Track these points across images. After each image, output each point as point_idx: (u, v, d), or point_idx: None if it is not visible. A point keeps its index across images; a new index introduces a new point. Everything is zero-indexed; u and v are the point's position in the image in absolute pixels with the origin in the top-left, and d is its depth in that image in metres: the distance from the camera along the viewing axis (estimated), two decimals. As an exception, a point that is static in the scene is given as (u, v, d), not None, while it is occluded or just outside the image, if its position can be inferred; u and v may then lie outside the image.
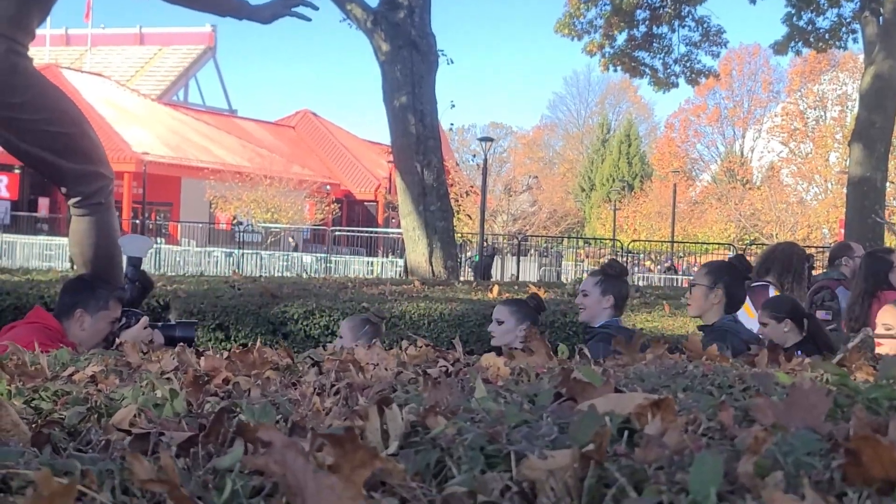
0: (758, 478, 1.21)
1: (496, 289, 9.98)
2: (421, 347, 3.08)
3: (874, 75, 19.51)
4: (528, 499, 1.24)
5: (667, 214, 53.84)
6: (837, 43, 23.33)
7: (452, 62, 18.79)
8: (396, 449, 1.46)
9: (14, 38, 5.16)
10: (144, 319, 5.32)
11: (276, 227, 43.38)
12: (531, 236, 45.75)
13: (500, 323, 5.78)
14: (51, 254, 34.30)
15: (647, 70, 24.65)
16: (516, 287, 11.05)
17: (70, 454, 1.54)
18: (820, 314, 7.53)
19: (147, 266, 6.49)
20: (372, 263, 34.16)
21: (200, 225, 44.41)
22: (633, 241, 46.88)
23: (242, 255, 35.39)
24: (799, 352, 4.90)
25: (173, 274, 13.67)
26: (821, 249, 27.32)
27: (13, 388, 2.15)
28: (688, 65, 24.50)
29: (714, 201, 58.62)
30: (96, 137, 5.62)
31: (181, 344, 3.45)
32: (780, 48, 23.49)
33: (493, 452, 1.38)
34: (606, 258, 38.64)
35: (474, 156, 51.00)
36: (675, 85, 24.71)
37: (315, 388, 2.23)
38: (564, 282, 18.12)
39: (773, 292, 6.70)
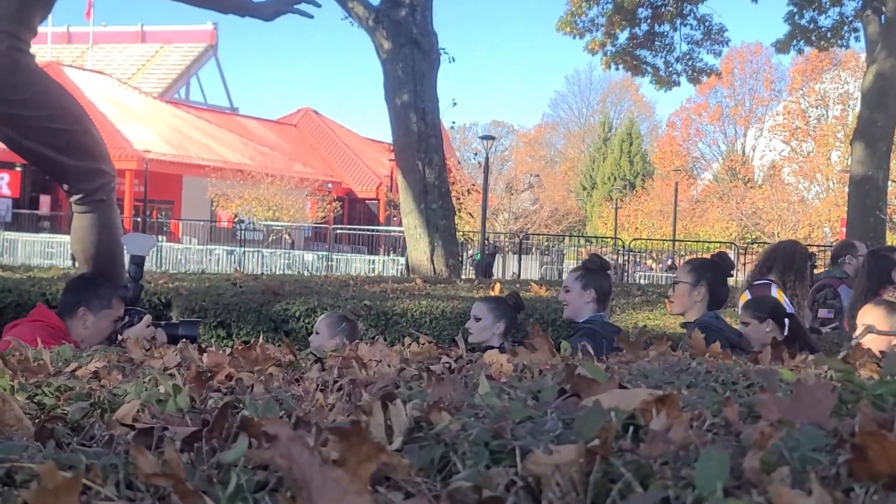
0: (764, 473, 1.21)
1: (498, 287, 9.97)
2: (423, 344, 3.08)
3: (876, 74, 19.50)
4: (533, 494, 1.24)
5: (668, 213, 53.80)
6: (839, 41, 23.30)
7: (454, 60, 18.77)
8: (400, 444, 1.45)
9: (16, 35, 5.16)
10: (147, 318, 5.32)
11: (277, 225, 43.39)
12: (533, 235, 45.74)
13: (477, 320, 5.79)
14: (52, 251, 34.30)
15: (648, 68, 24.63)
16: (518, 285, 11.04)
17: (74, 449, 1.54)
18: (822, 312, 7.53)
19: (148, 264, 6.50)
20: (373, 261, 34.15)
21: (202, 223, 44.40)
22: (635, 239, 46.86)
23: (244, 252, 35.38)
24: None
25: (175, 272, 13.65)
26: (822, 248, 27.30)
27: (16, 384, 2.15)
28: (689, 63, 24.48)
29: (715, 200, 58.59)
30: (98, 134, 5.62)
31: (184, 341, 3.45)
32: (781, 47, 23.46)
33: (498, 448, 1.37)
34: (608, 257, 38.69)
35: (476, 154, 51.06)
36: (677, 83, 24.70)
37: (318, 385, 2.23)
38: (566, 280, 18.06)
39: (775, 290, 6.69)
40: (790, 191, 54.49)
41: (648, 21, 23.99)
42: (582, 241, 48.83)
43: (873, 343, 5.10)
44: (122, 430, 1.67)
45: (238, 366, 2.54)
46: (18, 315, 7.53)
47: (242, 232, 41.69)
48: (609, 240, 45.68)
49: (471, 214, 46.05)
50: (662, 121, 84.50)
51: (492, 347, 4.91)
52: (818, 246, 30.37)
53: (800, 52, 24.59)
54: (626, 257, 36.91)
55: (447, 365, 2.56)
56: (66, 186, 5.53)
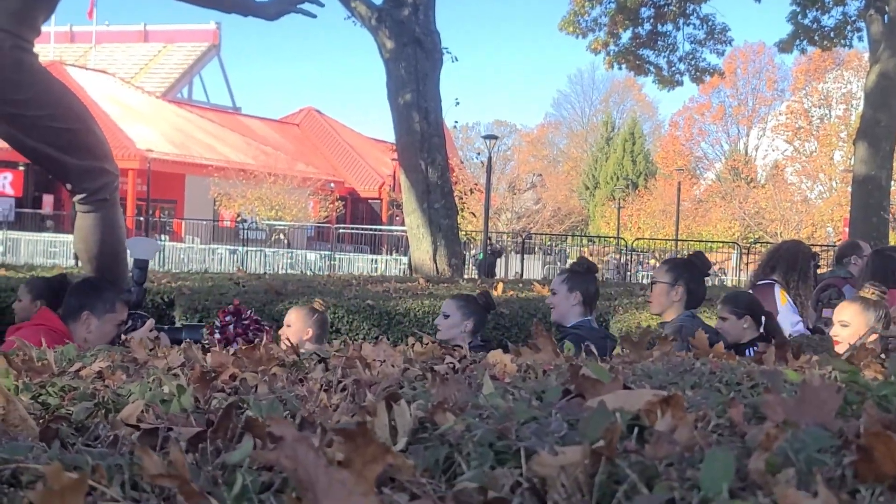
0: (769, 474, 1.21)
1: (500, 286, 9.97)
2: (427, 344, 3.08)
3: (879, 73, 19.48)
4: (538, 495, 1.24)
5: (671, 213, 53.73)
6: (842, 41, 23.27)
7: (457, 60, 18.81)
8: (405, 445, 1.45)
9: (19, 35, 5.16)
10: (150, 322, 5.33)
11: (280, 225, 43.40)
12: (535, 234, 45.75)
13: (446, 317, 5.80)
14: (55, 251, 34.32)
15: (651, 68, 24.61)
16: (521, 285, 11.04)
17: (79, 449, 1.54)
18: (826, 312, 7.52)
19: (151, 263, 6.50)
20: (376, 261, 34.16)
21: (204, 222, 44.44)
22: (638, 239, 46.78)
23: (247, 252, 35.38)
24: (755, 348, 4.92)
25: (178, 271, 13.66)
26: (825, 248, 27.30)
27: (20, 384, 2.15)
28: (692, 63, 24.47)
29: (718, 200, 58.61)
30: (101, 134, 5.62)
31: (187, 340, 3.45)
32: (784, 46, 23.43)
33: (503, 449, 1.37)
34: (610, 256, 38.71)
35: (478, 153, 51.03)
36: (680, 83, 24.68)
37: (322, 385, 2.23)
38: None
39: (778, 291, 6.69)
40: (793, 190, 54.50)
41: (651, 20, 23.97)
42: (584, 240, 48.88)
43: (850, 339, 5.11)
44: (127, 430, 1.67)
45: (242, 366, 2.54)
46: (21, 314, 7.54)
47: (245, 231, 41.69)
48: (612, 239, 45.69)
49: (473, 214, 46.03)
50: (665, 120, 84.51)
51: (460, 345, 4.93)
52: (821, 246, 30.38)
53: (803, 51, 24.61)
54: (628, 257, 36.86)
55: (451, 365, 2.56)
56: (69, 186, 5.53)
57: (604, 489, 1.23)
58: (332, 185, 54.44)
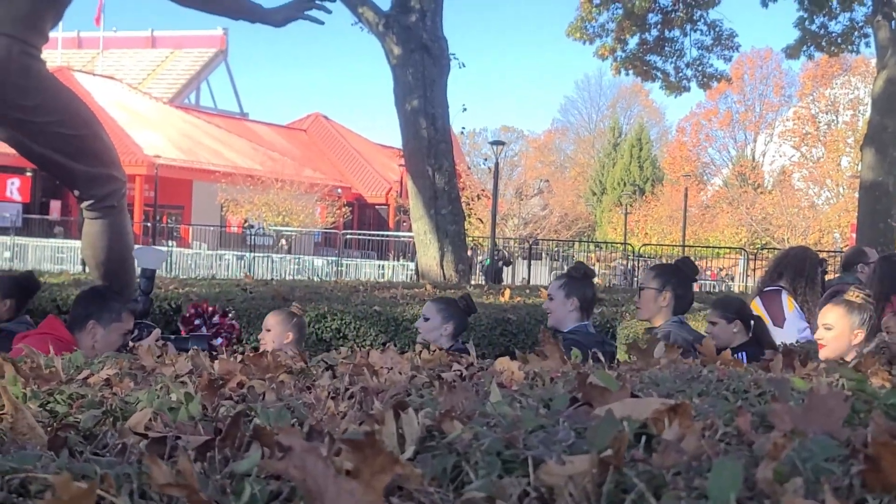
0: (777, 484, 1.20)
1: (507, 292, 9.97)
2: (434, 351, 3.08)
3: (886, 79, 19.47)
4: (546, 504, 1.24)
5: (678, 218, 53.70)
6: (850, 47, 23.24)
7: (464, 66, 18.83)
8: (413, 453, 1.45)
9: (27, 41, 5.17)
10: (156, 332, 5.33)
11: (287, 231, 43.41)
12: (542, 240, 45.72)
13: (426, 319, 5.82)
14: (63, 256, 34.35)
15: (658, 74, 24.61)
16: (528, 291, 11.04)
17: (87, 458, 1.54)
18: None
19: (158, 269, 6.51)
20: (383, 267, 34.13)
21: (212, 228, 44.44)
22: (645, 245, 46.78)
23: (254, 258, 35.40)
24: (743, 353, 4.92)
25: (185, 277, 13.67)
26: (832, 254, 27.24)
27: (28, 391, 2.15)
28: (699, 69, 24.46)
29: (725, 205, 58.56)
30: (109, 140, 5.63)
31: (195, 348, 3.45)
32: (792, 52, 23.42)
33: (511, 458, 1.37)
34: (617, 262, 38.70)
35: (485, 159, 50.99)
36: (687, 89, 24.67)
37: (329, 392, 2.23)
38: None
39: (785, 297, 6.68)
40: (800, 196, 54.46)
41: (658, 26, 23.97)
42: (591, 246, 48.87)
43: (834, 342, 5.12)
44: (135, 438, 1.67)
45: (249, 373, 2.54)
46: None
47: (252, 237, 41.70)
48: (619, 245, 45.71)
49: (480, 220, 46.01)
50: (672, 126, 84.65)
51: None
52: (828, 251, 30.29)
53: (810, 57, 24.55)
54: (635, 263, 36.82)
55: (458, 372, 2.56)
56: (76, 192, 5.54)
57: (611, 498, 1.23)
58: (340, 190, 54.45)
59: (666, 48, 24.29)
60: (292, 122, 68.12)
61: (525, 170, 62.61)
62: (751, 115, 70.74)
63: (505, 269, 33.91)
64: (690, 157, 70.87)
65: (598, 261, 41.27)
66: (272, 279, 16.03)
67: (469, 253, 18.81)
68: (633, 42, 24.21)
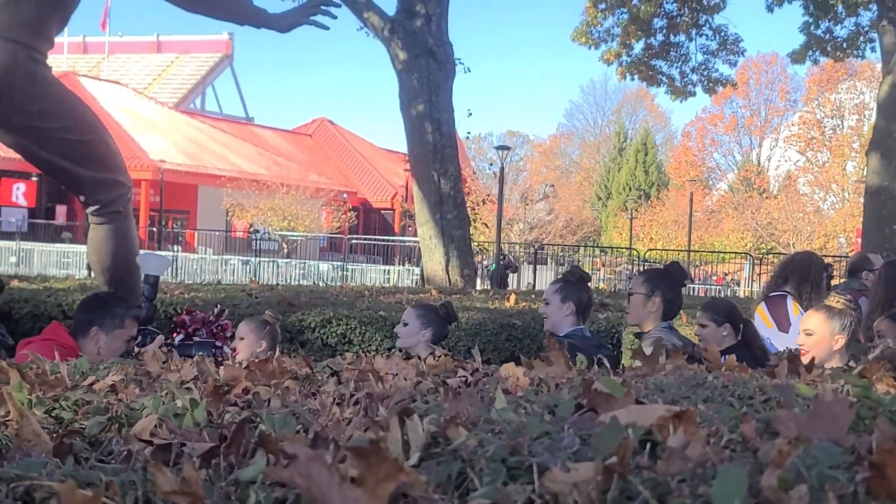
0: (782, 491, 1.20)
1: (513, 297, 9.97)
2: (439, 357, 3.07)
3: (892, 84, 19.43)
4: (551, 511, 1.24)
5: (683, 223, 53.65)
6: (855, 52, 23.20)
7: (469, 70, 18.81)
8: (418, 460, 1.45)
9: (33, 47, 5.18)
10: (160, 338, 5.32)
11: (293, 235, 43.42)
12: (548, 245, 45.71)
13: (405, 325, 5.82)
14: (68, 261, 34.37)
15: (664, 79, 24.58)
16: (533, 296, 11.03)
17: (92, 465, 1.54)
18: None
19: (164, 274, 6.51)
20: (388, 272, 34.13)
21: (217, 233, 44.46)
22: (650, 249, 46.78)
23: (259, 263, 35.39)
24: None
25: (190, 282, 13.68)
26: (838, 259, 27.21)
27: (34, 398, 2.15)
28: (705, 73, 24.43)
29: (731, 210, 58.54)
30: (114, 145, 5.64)
31: (200, 354, 3.45)
32: (797, 57, 23.38)
33: (515, 464, 1.37)
34: (623, 267, 38.67)
35: (491, 164, 51.02)
36: (692, 94, 24.63)
37: (335, 398, 2.23)
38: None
39: (790, 302, 6.67)
40: (805, 201, 54.43)
41: (664, 31, 23.94)
42: (597, 251, 48.85)
43: (815, 348, 5.13)
44: (140, 445, 1.67)
45: (255, 379, 2.54)
46: (34, 325, 7.56)
47: (258, 242, 41.71)
48: (624, 250, 45.68)
49: (486, 225, 45.99)
50: (677, 131, 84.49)
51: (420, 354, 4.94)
52: (833, 256, 30.31)
53: (815, 62, 24.53)
54: (641, 267, 36.80)
55: (463, 379, 2.56)
56: (82, 197, 5.54)
57: (616, 505, 1.23)
58: (345, 195, 54.46)
59: (671, 53, 24.27)
60: (298, 126, 68.15)
61: (530, 174, 62.57)
62: (756, 119, 70.70)
63: (511, 274, 33.88)
64: (696, 161, 70.83)
65: (603, 265, 41.27)
66: (278, 284, 16.04)
67: (479, 258, 18.80)
68: (638, 47, 24.19)
